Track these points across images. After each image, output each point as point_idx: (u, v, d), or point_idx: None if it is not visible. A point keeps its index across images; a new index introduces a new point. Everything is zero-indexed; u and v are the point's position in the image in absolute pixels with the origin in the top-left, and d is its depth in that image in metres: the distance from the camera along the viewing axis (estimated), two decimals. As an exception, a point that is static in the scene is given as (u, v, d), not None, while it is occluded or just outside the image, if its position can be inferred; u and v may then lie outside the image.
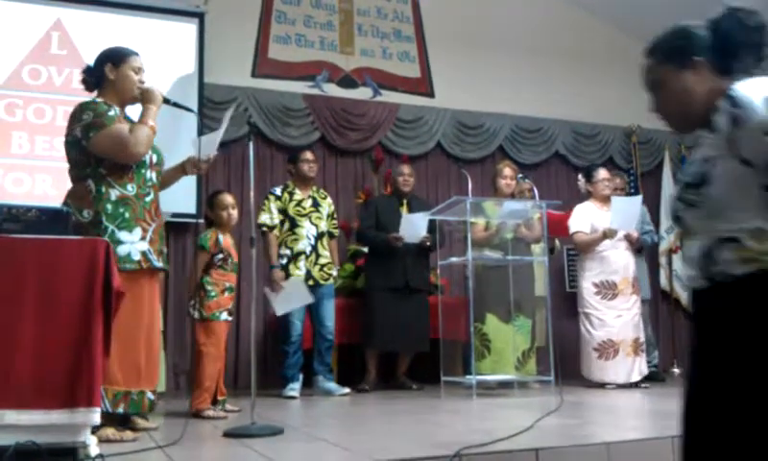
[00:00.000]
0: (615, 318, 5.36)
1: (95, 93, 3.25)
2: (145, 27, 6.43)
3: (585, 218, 5.54)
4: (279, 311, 4.62)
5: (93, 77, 3.25)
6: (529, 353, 5.33)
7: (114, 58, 3.23)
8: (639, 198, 5.47)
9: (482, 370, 5.11)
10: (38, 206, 2.61)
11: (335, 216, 5.61)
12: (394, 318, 5.51)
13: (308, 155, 5.54)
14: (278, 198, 5.41)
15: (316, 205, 5.44)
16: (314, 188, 5.57)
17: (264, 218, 5.33)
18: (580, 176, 5.81)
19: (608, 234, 5.34)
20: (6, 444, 2.25)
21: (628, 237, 5.54)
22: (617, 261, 5.43)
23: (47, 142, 6.01)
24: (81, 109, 3.10)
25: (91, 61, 3.31)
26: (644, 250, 6.48)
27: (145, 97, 3.21)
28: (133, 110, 3.30)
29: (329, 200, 5.62)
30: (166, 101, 3.30)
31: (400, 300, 5.55)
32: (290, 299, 4.68)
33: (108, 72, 3.20)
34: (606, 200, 5.57)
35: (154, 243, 3.15)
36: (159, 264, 3.17)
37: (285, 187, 5.50)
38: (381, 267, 5.61)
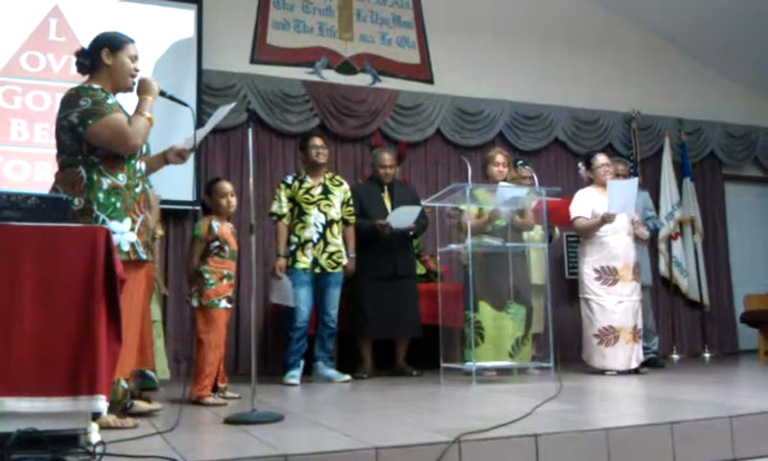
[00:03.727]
0: (616, 304, 5.35)
1: (86, 77, 3.20)
2: (143, 13, 6.41)
3: (585, 203, 5.53)
4: (271, 298, 4.98)
5: (88, 60, 3.19)
6: (523, 341, 5.31)
7: (112, 43, 3.17)
8: (635, 180, 5.45)
9: (477, 357, 5.10)
10: (38, 194, 2.60)
11: (351, 203, 5.55)
12: (384, 305, 5.51)
13: (317, 141, 5.48)
14: (289, 186, 5.40)
15: (326, 192, 5.40)
16: (327, 175, 5.51)
17: (274, 207, 5.36)
18: (580, 164, 5.79)
19: (606, 219, 5.32)
20: (7, 431, 2.26)
21: (637, 230, 5.55)
22: (618, 247, 5.42)
23: (46, 130, 5.99)
24: (77, 93, 3.05)
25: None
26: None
27: (142, 88, 3.17)
28: (123, 98, 3.24)
29: (345, 186, 5.56)
30: (162, 93, 3.26)
31: (389, 287, 5.56)
32: (278, 293, 5.06)
33: (104, 57, 3.14)
34: (606, 185, 5.55)
35: (141, 235, 3.12)
36: (145, 256, 3.14)
37: (297, 175, 5.48)
38: (369, 255, 5.61)
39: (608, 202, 5.30)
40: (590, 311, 5.41)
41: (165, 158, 3.47)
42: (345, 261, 5.41)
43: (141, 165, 3.22)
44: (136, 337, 3.23)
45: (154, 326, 5.01)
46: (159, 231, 5.23)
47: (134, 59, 3.21)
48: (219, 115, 3.46)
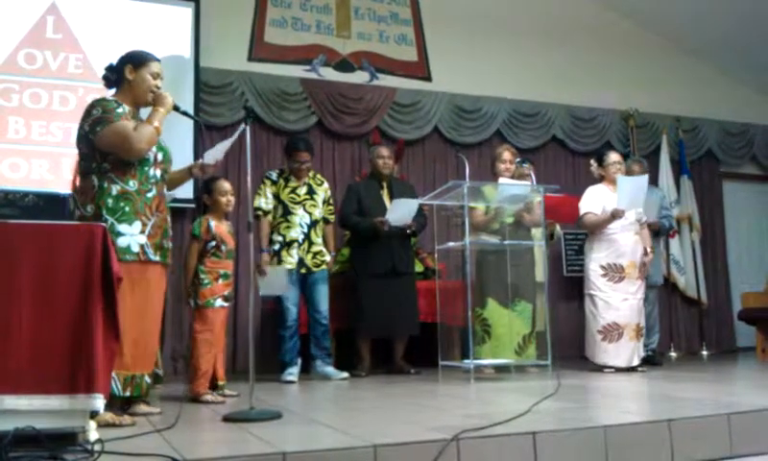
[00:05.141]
0: (622, 301, 5.34)
1: (113, 91, 3.39)
2: (141, 11, 6.40)
3: (596, 200, 5.52)
4: (261, 292, 4.99)
5: (114, 75, 3.39)
6: (530, 338, 5.32)
7: (135, 60, 3.38)
8: (645, 177, 5.41)
9: (482, 355, 5.11)
10: (35, 192, 2.61)
11: (331, 202, 5.58)
12: (382, 303, 5.51)
13: (302, 156, 5.40)
14: (274, 183, 5.40)
15: (311, 192, 5.42)
16: (310, 175, 5.53)
17: (260, 202, 5.34)
18: (592, 161, 5.78)
19: (615, 214, 5.32)
20: (5, 429, 2.25)
21: (651, 225, 5.62)
22: (626, 244, 5.41)
23: (43, 127, 5.99)
24: (92, 105, 3.24)
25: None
26: (661, 234, 6.49)
27: (156, 100, 3.35)
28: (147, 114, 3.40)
29: (326, 185, 5.59)
30: (176, 108, 3.43)
31: (388, 284, 5.55)
32: (272, 285, 4.99)
33: (127, 73, 3.35)
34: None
35: (153, 237, 3.28)
36: (155, 258, 3.29)
37: (281, 173, 5.49)
38: (367, 252, 5.61)
39: (617, 198, 5.30)
40: (595, 307, 5.41)
41: (190, 172, 3.69)
42: (328, 258, 5.42)
43: (156, 172, 3.36)
44: (156, 334, 3.35)
45: None
46: None
47: (156, 76, 3.40)
48: (235, 135, 3.64)
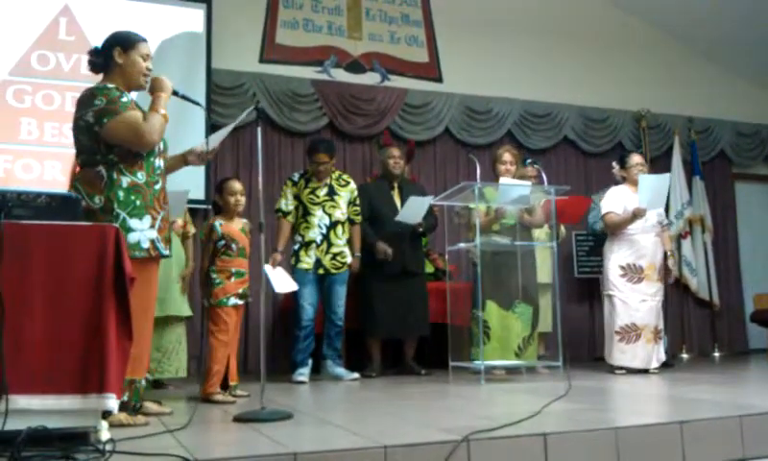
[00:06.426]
0: (640, 302, 5.32)
1: (101, 76, 3.23)
2: (153, 12, 6.43)
3: (618, 200, 5.50)
4: (277, 289, 4.84)
5: (100, 59, 3.22)
6: (529, 340, 5.30)
7: (124, 42, 3.21)
8: (668, 176, 5.39)
9: (484, 356, 5.09)
10: (48, 192, 2.61)
11: (357, 202, 5.52)
12: (393, 304, 5.51)
13: (321, 157, 5.35)
14: (295, 184, 5.40)
15: (332, 193, 5.39)
16: (334, 175, 5.48)
17: (280, 204, 5.36)
18: (614, 163, 5.77)
19: (637, 213, 5.30)
20: (17, 428, 2.27)
21: (663, 233, 5.58)
22: (647, 246, 5.38)
23: (56, 128, 6.03)
24: (92, 93, 3.08)
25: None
26: None
27: (155, 86, 3.21)
28: (137, 97, 3.28)
29: (351, 186, 5.51)
30: (175, 93, 3.30)
31: (398, 285, 5.55)
32: (279, 281, 4.84)
33: (116, 56, 3.18)
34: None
35: (162, 231, 3.17)
36: (167, 252, 3.20)
37: (303, 173, 5.49)
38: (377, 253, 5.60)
39: (639, 196, 5.28)
40: (613, 308, 5.38)
41: (185, 160, 3.53)
42: (349, 260, 5.41)
43: (160, 162, 3.25)
44: (150, 333, 3.26)
45: (182, 323, 5.02)
46: (192, 229, 5.22)
47: (146, 57, 3.24)
48: (237, 119, 3.52)
